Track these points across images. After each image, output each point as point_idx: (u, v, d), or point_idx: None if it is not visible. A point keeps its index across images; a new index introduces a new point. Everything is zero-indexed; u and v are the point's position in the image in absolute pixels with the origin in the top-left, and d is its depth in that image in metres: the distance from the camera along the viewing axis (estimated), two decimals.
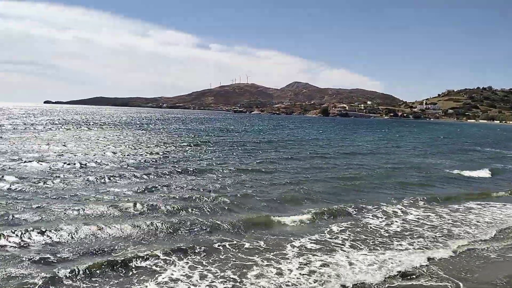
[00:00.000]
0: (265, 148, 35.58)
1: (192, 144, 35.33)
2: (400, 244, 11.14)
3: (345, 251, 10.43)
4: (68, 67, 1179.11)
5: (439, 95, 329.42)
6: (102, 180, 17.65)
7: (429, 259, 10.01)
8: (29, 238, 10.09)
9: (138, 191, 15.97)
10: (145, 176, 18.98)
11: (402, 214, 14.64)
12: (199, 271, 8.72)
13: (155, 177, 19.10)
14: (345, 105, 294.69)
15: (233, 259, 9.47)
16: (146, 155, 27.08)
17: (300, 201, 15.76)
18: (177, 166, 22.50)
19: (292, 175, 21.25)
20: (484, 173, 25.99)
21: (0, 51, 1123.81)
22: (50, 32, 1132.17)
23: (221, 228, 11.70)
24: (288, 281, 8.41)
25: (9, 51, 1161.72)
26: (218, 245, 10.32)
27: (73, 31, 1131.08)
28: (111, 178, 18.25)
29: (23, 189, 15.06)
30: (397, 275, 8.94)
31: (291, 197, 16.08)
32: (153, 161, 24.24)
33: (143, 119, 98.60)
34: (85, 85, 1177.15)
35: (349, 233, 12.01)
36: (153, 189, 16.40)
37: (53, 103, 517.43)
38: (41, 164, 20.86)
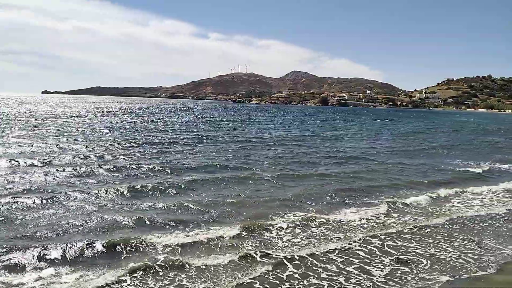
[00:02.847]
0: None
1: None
2: None
3: None
4: (69, 57, 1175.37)
5: (438, 84, 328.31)
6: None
7: None
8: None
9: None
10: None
11: None
12: None
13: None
14: (344, 94, 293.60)
15: None
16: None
17: None
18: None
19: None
20: None
21: (1, 42, 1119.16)
22: (50, 22, 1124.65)
23: None
24: None
25: (10, 42, 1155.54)
26: None
27: (73, 21, 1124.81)
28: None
29: None
30: None
31: None
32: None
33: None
34: (85, 75, 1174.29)
35: None
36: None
37: (51, 93, 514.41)
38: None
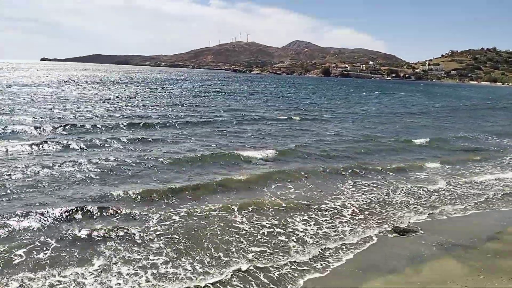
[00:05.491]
0: None
1: None
2: None
3: None
4: (68, 24, 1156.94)
5: (442, 55, 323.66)
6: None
7: None
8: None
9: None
10: None
11: None
12: None
13: None
14: (346, 65, 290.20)
15: None
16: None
17: None
18: None
19: None
20: None
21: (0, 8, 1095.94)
22: None
23: None
24: None
25: (9, 8, 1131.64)
26: None
27: None
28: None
29: None
30: None
31: None
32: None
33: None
34: (84, 43, 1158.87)
35: None
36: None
37: (50, 60, 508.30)
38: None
